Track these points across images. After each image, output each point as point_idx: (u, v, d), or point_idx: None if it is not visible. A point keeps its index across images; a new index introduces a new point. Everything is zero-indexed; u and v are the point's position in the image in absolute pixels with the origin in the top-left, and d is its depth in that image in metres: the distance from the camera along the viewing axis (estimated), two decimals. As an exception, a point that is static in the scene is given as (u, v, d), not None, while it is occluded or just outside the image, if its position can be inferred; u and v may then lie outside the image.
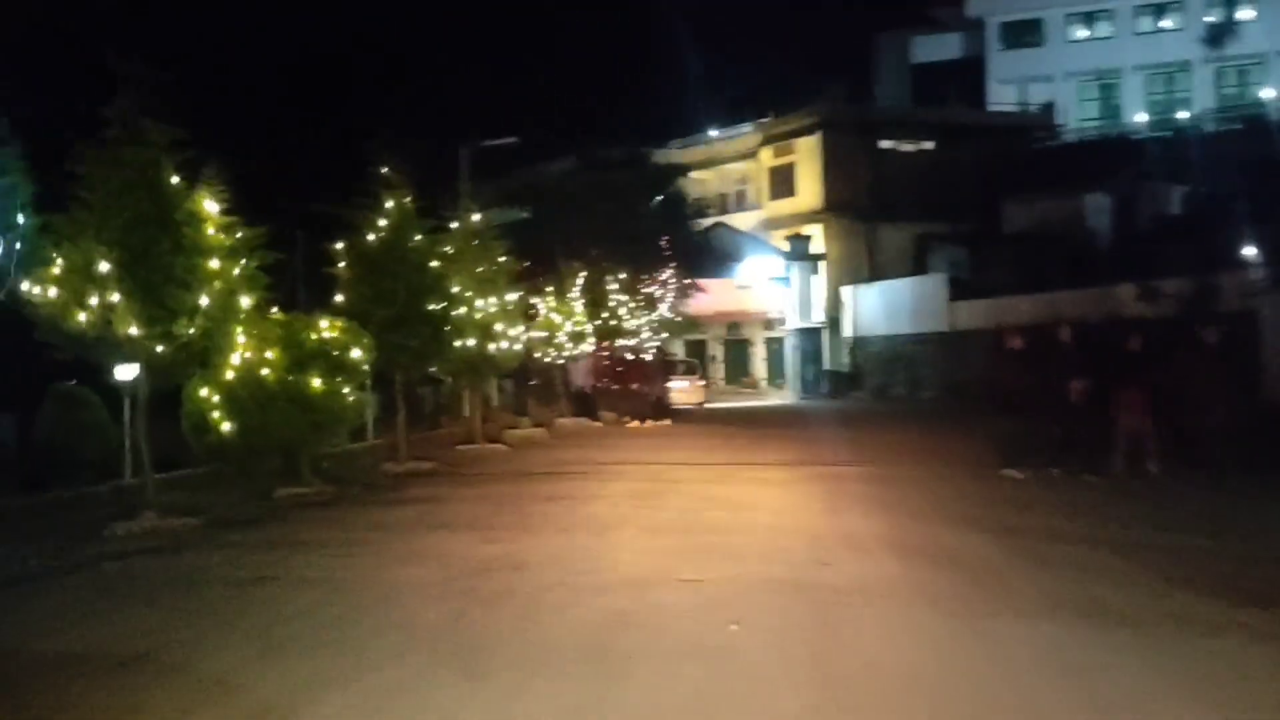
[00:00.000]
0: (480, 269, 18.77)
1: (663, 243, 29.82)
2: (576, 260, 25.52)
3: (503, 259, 19.05)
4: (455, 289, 17.15)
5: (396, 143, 16.49)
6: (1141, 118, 45.21)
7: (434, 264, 16.49)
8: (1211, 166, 38.03)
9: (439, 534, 10.46)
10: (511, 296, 19.00)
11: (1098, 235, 37.82)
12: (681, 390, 32.71)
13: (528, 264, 25.30)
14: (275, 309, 13.48)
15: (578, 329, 24.23)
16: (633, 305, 27.19)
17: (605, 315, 26.03)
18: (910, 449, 18.38)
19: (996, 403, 14.64)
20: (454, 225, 18.92)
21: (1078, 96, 51.08)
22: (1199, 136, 42.51)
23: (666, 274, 33.94)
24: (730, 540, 9.68)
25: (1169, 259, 31.19)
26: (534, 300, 24.48)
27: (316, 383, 13.14)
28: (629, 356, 26.89)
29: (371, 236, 16.29)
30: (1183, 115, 46.47)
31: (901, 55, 53.21)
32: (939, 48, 54.18)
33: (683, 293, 36.70)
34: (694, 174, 45.19)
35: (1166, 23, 50.65)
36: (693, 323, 38.31)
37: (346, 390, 13.50)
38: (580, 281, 25.43)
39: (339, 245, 16.35)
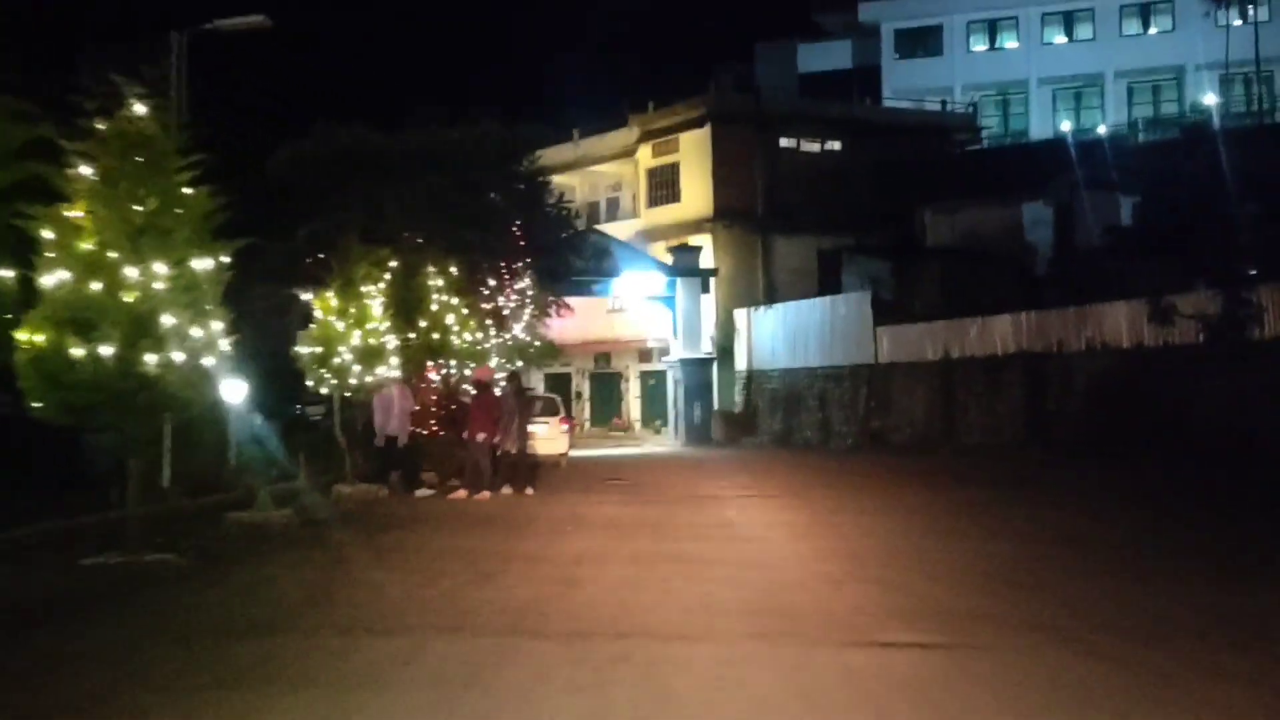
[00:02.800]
0: (143, 208, 8.99)
1: (515, 229, 20.26)
2: (380, 245, 15.85)
3: (188, 190, 9.20)
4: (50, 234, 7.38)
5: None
6: (1066, 126, 38.29)
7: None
8: (1163, 177, 31.05)
9: None
10: (203, 263, 9.14)
11: (1038, 249, 30.19)
12: (540, 437, 23.12)
13: (319, 255, 15.60)
14: None
15: (374, 343, 14.46)
16: (468, 314, 17.51)
17: (424, 326, 16.32)
18: (981, 569, 9.32)
19: None
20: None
21: (979, 110, 44.04)
22: (1147, 145, 35.71)
23: (522, 283, 24.43)
24: None
25: (1148, 274, 23.49)
26: (306, 297, 14.72)
27: None
28: (468, 388, 17.20)
29: None
30: (1101, 129, 39.73)
31: (786, 65, 45.36)
32: (828, 56, 46.67)
33: (542, 311, 27.26)
34: (558, 178, 35.79)
35: (1074, 35, 44.21)
36: (553, 349, 28.90)
37: None
38: (386, 276, 15.68)
39: None
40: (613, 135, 36.79)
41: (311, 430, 18.10)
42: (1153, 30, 42.48)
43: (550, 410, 23.77)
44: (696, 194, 34.03)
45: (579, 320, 38.30)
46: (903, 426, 26.70)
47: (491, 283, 19.93)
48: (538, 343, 27.78)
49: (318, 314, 14.26)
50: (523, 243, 20.55)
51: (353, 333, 14.12)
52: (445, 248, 16.95)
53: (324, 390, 14.46)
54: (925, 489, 16.83)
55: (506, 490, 15.68)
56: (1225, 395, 19.98)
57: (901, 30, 45.43)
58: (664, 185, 35.28)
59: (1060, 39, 43.90)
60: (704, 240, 33.36)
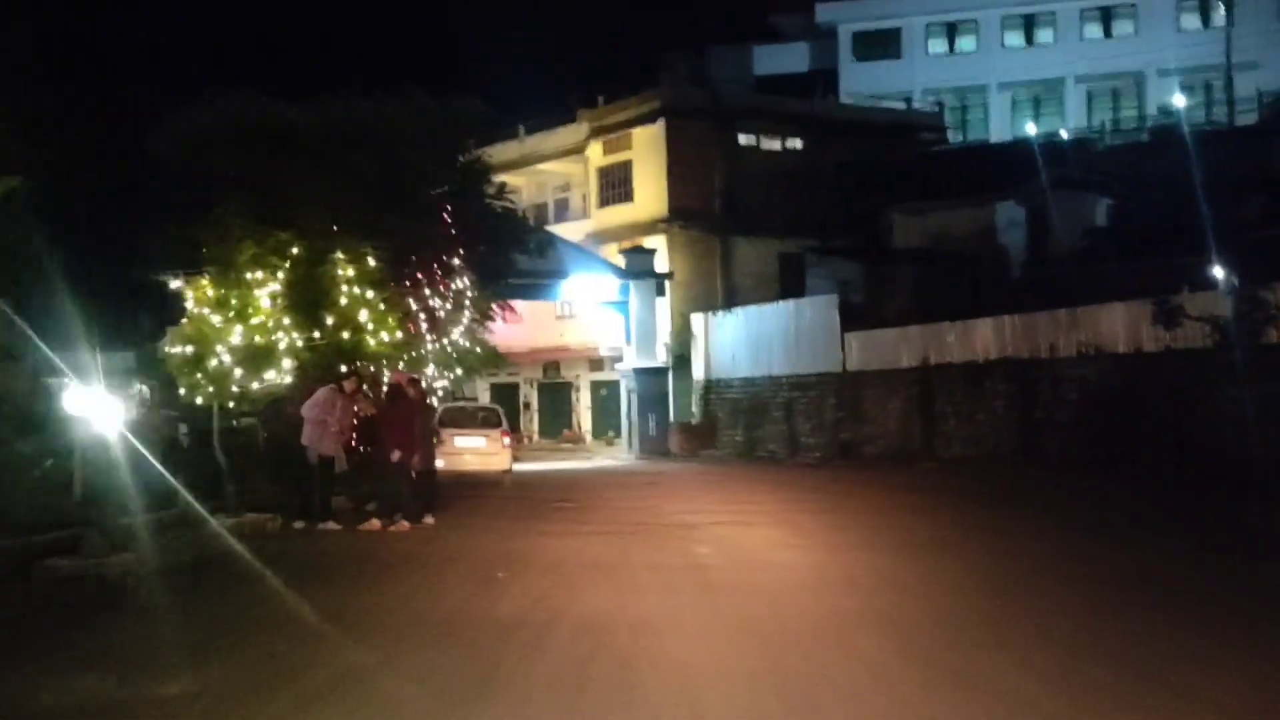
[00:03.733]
0: None
1: (447, 214, 17.15)
2: (279, 227, 12.77)
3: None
4: None
5: None
6: (1031, 128, 36.10)
7: None
8: (1137, 178, 28.99)
9: None
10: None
11: (1010, 251, 27.85)
12: (477, 451, 20.15)
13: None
14: None
15: (260, 342, 11.35)
16: (385, 310, 14.35)
17: (332, 323, 13.21)
18: None
19: None
20: None
21: (944, 110, 41.76)
22: (1114, 148, 33.65)
23: (460, 282, 21.37)
24: None
25: (1135, 275, 21.16)
26: (175, 285, 11.59)
27: None
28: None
29: None
30: (1063, 133, 37.64)
31: (741, 68, 42.79)
32: (784, 59, 44.22)
33: (483, 313, 24.20)
34: (502, 178, 32.67)
35: (1034, 39, 42.19)
36: (495, 356, 25.89)
37: None
38: (286, 264, 12.59)
39: None
40: (561, 131, 33.88)
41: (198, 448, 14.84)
42: (1114, 35, 40.55)
43: (491, 422, 20.79)
44: (650, 193, 31.23)
45: (527, 327, 35.27)
46: (876, 438, 24.03)
47: (420, 277, 16.83)
48: (478, 349, 24.75)
49: (191, 306, 11.13)
50: (454, 231, 17.41)
51: (233, 329, 11.00)
52: (362, 233, 13.89)
53: (199, 400, 11.30)
54: (926, 511, 14.06)
55: (429, 520, 12.63)
56: (1235, 403, 17.59)
57: (859, 32, 43.11)
58: (616, 184, 32.45)
59: (1021, 43, 41.85)
60: (659, 242, 30.56)
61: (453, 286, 20.30)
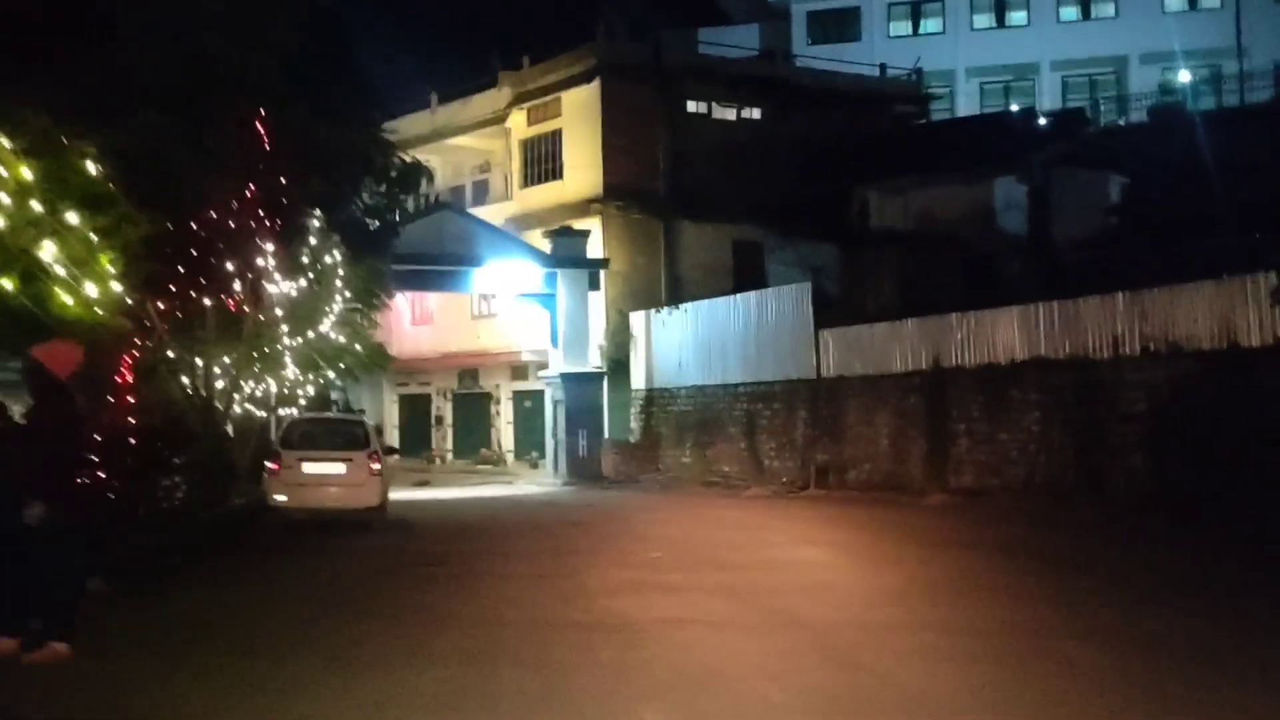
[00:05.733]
0: None
1: (260, 126, 10.92)
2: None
3: None
4: None
5: None
6: (1013, 110, 30.99)
7: None
8: (1150, 158, 23.88)
9: None
10: None
11: (1009, 233, 22.46)
12: (335, 481, 13.91)
13: None
14: None
15: None
16: (99, 243, 8.08)
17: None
18: None
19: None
20: None
21: (921, 79, 36.46)
22: (1108, 128, 28.65)
23: (330, 255, 15.28)
24: None
25: (1191, 258, 15.74)
26: None
27: None
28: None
29: None
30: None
31: (686, 52, 37.14)
32: (733, 41, 38.61)
33: (366, 299, 18.16)
34: (413, 155, 26.43)
35: (1006, 21, 37.18)
36: (382, 355, 19.81)
37: None
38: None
39: None
40: (480, 98, 27.79)
41: None
42: (1093, 17, 35.68)
43: (354, 441, 14.48)
44: (583, 169, 25.26)
45: (437, 328, 29.15)
46: (861, 461, 18.28)
47: (215, 216, 10.63)
48: (358, 346, 18.55)
49: None
50: (271, 150, 11.21)
51: None
52: (78, 128, 7.71)
53: None
54: (1002, 590, 8.24)
55: (59, 647, 6.31)
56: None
57: (815, 13, 37.73)
58: (543, 159, 26.43)
59: (991, 25, 36.78)
60: (592, 226, 24.57)
61: (300, 249, 14.16)
